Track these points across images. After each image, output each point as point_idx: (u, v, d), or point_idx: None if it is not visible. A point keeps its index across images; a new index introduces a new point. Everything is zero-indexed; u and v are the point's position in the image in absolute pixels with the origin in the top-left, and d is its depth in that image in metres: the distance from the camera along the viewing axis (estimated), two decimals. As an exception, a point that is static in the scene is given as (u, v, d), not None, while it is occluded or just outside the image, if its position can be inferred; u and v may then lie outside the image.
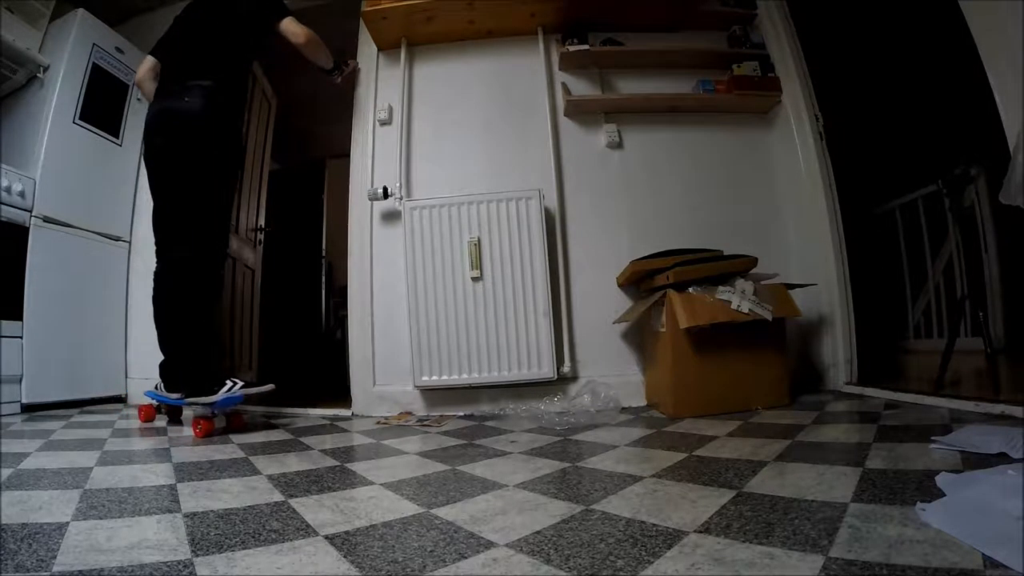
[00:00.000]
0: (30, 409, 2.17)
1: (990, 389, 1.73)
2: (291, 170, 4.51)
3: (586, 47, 2.36)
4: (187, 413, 1.92)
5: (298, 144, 4.29)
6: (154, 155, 1.86)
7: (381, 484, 1.09)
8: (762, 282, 1.86)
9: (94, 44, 2.53)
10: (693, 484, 0.98)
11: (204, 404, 1.75)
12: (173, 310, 1.83)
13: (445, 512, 0.89)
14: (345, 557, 0.70)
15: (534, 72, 2.44)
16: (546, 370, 2.09)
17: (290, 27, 2.00)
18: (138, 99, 2.80)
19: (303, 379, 3.68)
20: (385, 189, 2.31)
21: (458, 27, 2.42)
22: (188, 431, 1.74)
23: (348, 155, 2.52)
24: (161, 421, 1.97)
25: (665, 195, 2.35)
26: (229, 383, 1.78)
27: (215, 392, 1.75)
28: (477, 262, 2.13)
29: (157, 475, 1.16)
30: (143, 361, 2.65)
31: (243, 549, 0.73)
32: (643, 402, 2.13)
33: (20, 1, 2.35)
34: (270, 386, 1.90)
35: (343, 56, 2.43)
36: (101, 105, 2.59)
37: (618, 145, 2.39)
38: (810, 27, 2.46)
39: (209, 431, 1.67)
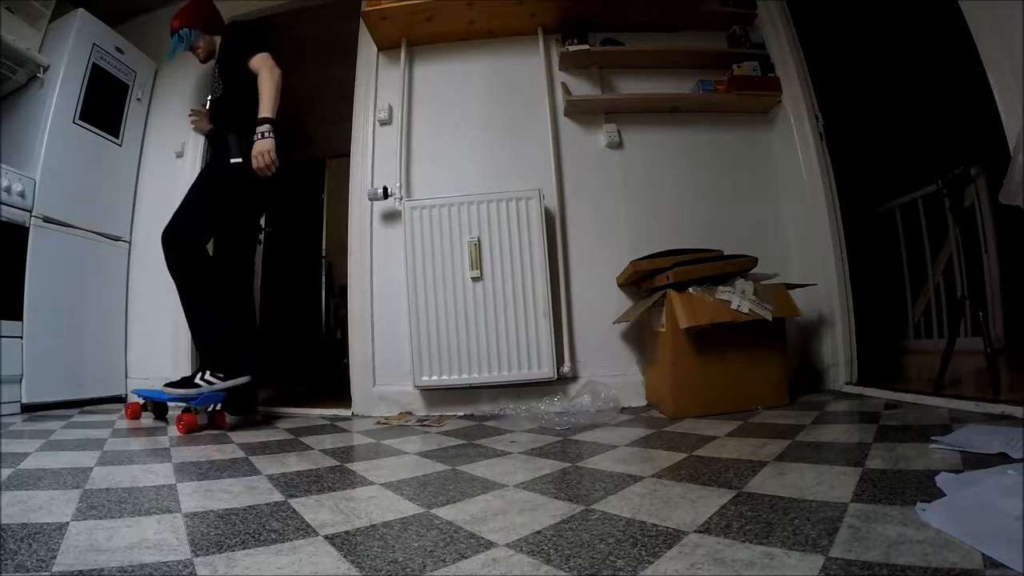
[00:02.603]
0: (30, 409, 2.17)
1: (990, 389, 1.73)
2: (291, 170, 4.50)
3: (586, 47, 2.36)
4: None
5: (298, 144, 4.29)
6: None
7: (381, 484, 1.09)
8: (762, 282, 1.86)
9: (94, 44, 2.53)
10: (693, 484, 0.98)
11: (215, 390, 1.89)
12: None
13: (445, 512, 0.89)
14: (345, 557, 0.70)
15: (534, 72, 2.44)
16: (546, 370, 2.09)
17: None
18: (138, 99, 2.80)
19: (303, 379, 3.68)
20: (385, 189, 2.31)
21: (458, 27, 2.41)
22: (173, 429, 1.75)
23: (348, 155, 2.52)
24: (147, 419, 2.01)
25: (665, 195, 2.35)
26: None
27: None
28: (477, 262, 2.13)
29: (157, 475, 1.16)
30: (143, 361, 2.65)
31: (243, 549, 0.73)
32: (643, 402, 2.13)
33: (20, 1, 2.35)
34: (245, 378, 1.98)
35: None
36: (101, 105, 2.59)
37: (618, 145, 2.39)
38: (810, 27, 2.46)
39: (191, 427, 1.73)
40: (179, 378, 1.97)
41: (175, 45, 2.21)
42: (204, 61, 2.28)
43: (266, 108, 1.93)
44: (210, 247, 2.12)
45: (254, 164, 1.91)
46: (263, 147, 1.91)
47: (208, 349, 2.02)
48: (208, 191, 2.06)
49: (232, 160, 1.99)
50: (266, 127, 1.92)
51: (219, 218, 2.04)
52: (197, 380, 1.91)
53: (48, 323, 2.28)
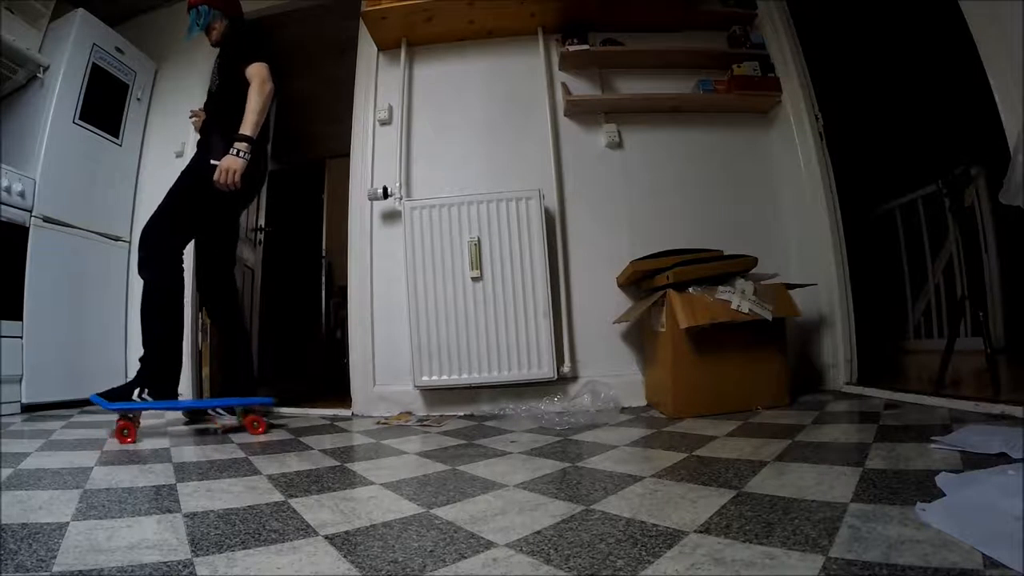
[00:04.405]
0: (30, 409, 2.17)
1: (990, 389, 1.73)
2: (291, 170, 4.51)
3: (586, 47, 2.36)
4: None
5: (298, 144, 4.30)
6: None
7: (381, 484, 1.09)
8: (762, 282, 1.86)
9: (94, 44, 2.53)
10: (693, 484, 0.98)
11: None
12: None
13: (445, 512, 0.89)
14: (345, 557, 0.70)
15: (534, 72, 2.44)
16: (546, 370, 2.09)
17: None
18: (138, 99, 2.80)
19: (303, 379, 3.68)
20: (385, 189, 2.31)
21: (458, 27, 2.42)
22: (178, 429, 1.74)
23: (348, 155, 2.52)
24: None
25: (665, 195, 2.35)
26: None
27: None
28: (477, 262, 2.13)
29: (157, 475, 1.16)
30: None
31: (243, 549, 0.73)
32: (643, 402, 2.13)
33: (20, 1, 2.35)
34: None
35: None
36: (101, 105, 2.59)
37: (618, 145, 2.39)
38: (810, 27, 2.46)
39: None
40: (110, 388, 1.77)
41: (192, 21, 2.08)
42: (214, 45, 2.16)
43: (247, 125, 1.85)
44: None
45: (217, 177, 1.83)
46: (230, 165, 1.82)
47: (146, 364, 1.85)
48: (186, 191, 1.97)
49: (212, 161, 1.89)
50: (244, 145, 1.83)
51: (196, 219, 1.96)
52: (135, 397, 1.79)
53: (48, 323, 2.28)
